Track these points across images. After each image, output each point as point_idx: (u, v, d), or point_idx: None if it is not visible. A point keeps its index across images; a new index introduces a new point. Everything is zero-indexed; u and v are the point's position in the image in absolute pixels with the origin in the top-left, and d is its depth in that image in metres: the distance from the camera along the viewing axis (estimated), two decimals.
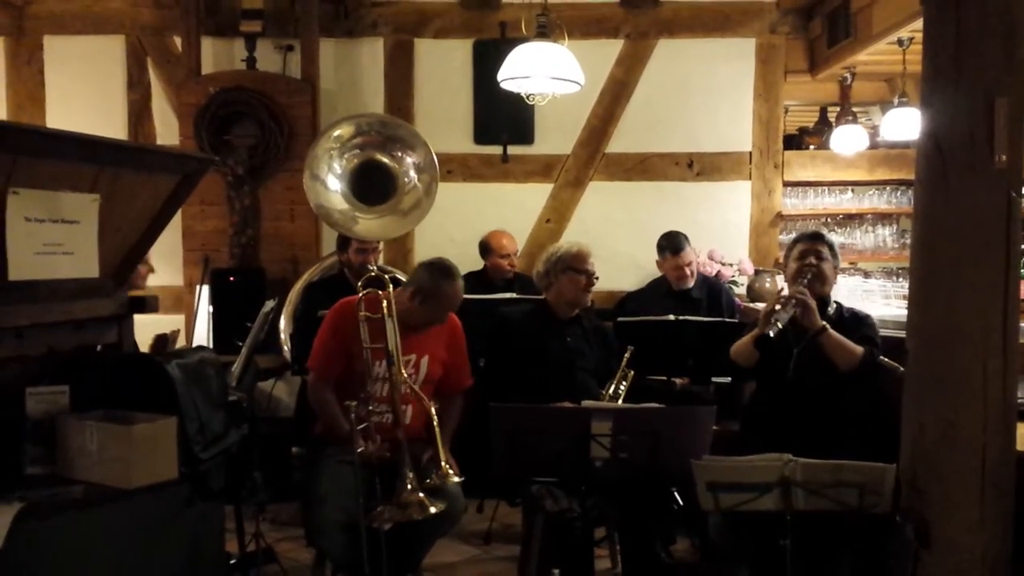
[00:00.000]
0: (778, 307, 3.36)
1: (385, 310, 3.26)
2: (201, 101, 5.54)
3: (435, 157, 4.80)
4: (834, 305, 3.60)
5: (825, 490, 2.69)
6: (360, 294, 3.34)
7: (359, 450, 3.03)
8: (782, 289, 3.58)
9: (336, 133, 4.75)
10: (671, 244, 5.24)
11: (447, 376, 3.66)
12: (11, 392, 2.48)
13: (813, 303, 3.41)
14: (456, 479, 3.14)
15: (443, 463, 3.13)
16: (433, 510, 2.99)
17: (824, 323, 3.41)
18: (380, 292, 3.31)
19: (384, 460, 3.11)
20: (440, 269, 3.58)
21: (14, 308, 2.46)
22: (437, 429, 3.21)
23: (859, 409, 3.41)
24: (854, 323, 3.54)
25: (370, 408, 3.18)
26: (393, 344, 3.24)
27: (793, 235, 4.49)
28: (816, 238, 3.64)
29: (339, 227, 4.71)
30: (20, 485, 2.37)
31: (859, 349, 3.39)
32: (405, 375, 3.29)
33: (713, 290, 5.36)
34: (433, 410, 3.26)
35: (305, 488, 3.33)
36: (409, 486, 3.01)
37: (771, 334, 3.29)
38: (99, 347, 2.87)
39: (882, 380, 3.43)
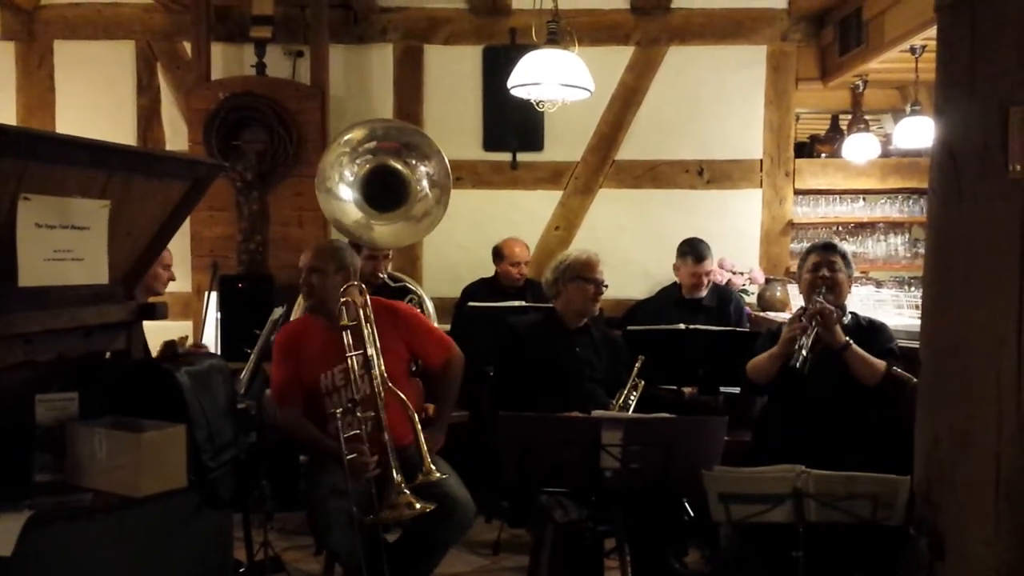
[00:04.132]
0: (803, 337, 3.32)
1: (361, 318, 3.29)
2: (210, 107, 5.55)
3: (448, 167, 4.79)
4: (850, 315, 3.59)
5: (838, 502, 2.67)
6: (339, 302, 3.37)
7: (348, 458, 3.04)
8: (797, 315, 3.51)
9: (348, 137, 4.75)
10: (695, 251, 5.20)
11: (423, 360, 3.68)
12: (21, 399, 2.47)
13: (834, 311, 3.39)
14: (438, 475, 3.13)
15: (427, 461, 3.12)
16: (419, 506, 3.01)
17: (847, 339, 3.39)
18: (355, 301, 3.33)
19: (370, 466, 3.12)
20: (339, 245, 3.76)
21: (24, 314, 2.45)
22: (419, 428, 3.21)
23: (873, 420, 3.38)
24: (872, 333, 3.52)
25: (357, 415, 3.18)
26: (372, 349, 3.27)
27: (805, 244, 4.47)
28: (829, 248, 3.62)
29: (355, 237, 4.69)
30: (29, 492, 2.36)
31: (882, 364, 3.37)
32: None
33: (723, 297, 5.34)
34: (413, 412, 3.26)
35: (308, 492, 3.33)
36: (396, 487, 3.03)
37: (797, 365, 3.27)
38: (108, 354, 2.87)
39: (896, 391, 3.40)
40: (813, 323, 3.37)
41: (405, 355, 3.61)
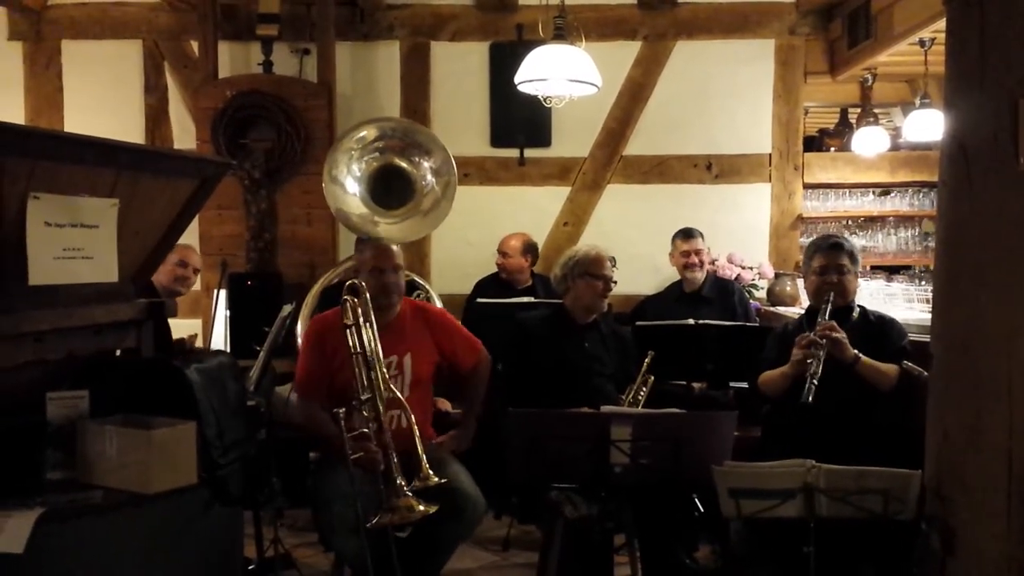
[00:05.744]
0: (813, 365, 3.28)
1: (361, 317, 3.27)
2: (218, 105, 5.55)
3: (452, 158, 4.80)
4: (858, 310, 3.56)
5: (849, 497, 2.66)
6: (341, 302, 3.32)
7: (353, 457, 3.03)
8: (804, 340, 3.47)
9: (360, 135, 4.76)
10: (682, 231, 5.29)
11: (453, 362, 3.67)
12: (32, 397, 2.48)
13: (842, 335, 3.34)
14: (436, 480, 3.09)
15: (424, 466, 3.10)
16: (420, 508, 2.99)
17: (857, 353, 3.34)
18: (355, 299, 3.30)
19: (376, 466, 3.10)
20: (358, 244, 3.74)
21: (35, 313, 2.45)
22: (416, 432, 3.20)
23: (883, 415, 3.36)
24: (881, 330, 3.49)
25: (364, 414, 3.17)
26: (371, 349, 3.24)
27: (814, 238, 4.43)
28: (835, 249, 3.53)
29: (358, 230, 4.71)
30: (41, 490, 2.37)
31: (894, 369, 3.33)
32: (385, 377, 3.26)
33: (724, 289, 5.33)
34: (412, 417, 3.25)
35: (314, 493, 3.33)
36: (397, 490, 3.02)
37: (810, 400, 3.21)
38: (118, 352, 2.87)
39: (907, 388, 3.38)
40: (823, 342, 3.32)
41: (435, 357, 3.61)
